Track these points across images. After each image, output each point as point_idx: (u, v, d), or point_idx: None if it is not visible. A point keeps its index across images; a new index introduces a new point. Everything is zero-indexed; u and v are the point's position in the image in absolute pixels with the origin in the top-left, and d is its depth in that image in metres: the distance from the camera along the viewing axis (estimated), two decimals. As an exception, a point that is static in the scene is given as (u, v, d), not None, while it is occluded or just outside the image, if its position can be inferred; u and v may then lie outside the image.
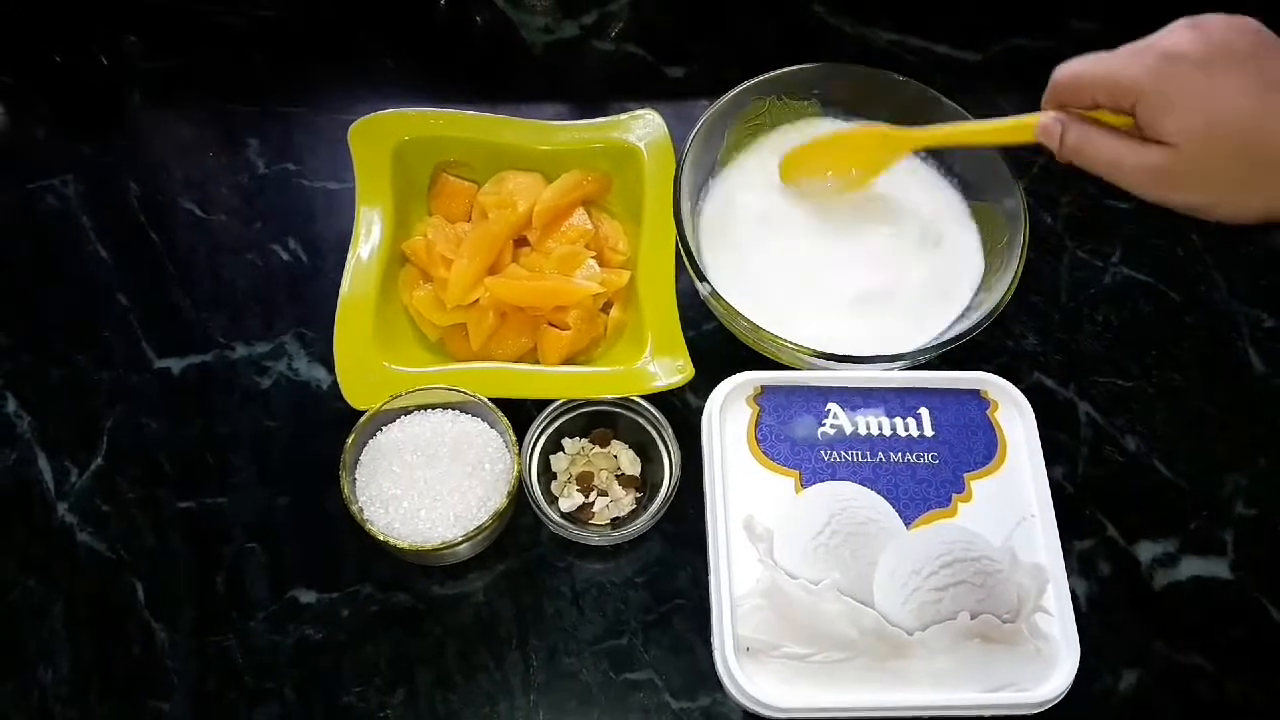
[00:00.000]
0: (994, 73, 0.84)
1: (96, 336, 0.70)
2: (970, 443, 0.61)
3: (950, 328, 0.66)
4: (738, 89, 0.69)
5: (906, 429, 0.61)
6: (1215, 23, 0.50)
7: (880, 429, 0.61)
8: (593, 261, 0.69)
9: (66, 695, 0.59)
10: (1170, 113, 0.49)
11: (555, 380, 0.65)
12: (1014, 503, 0.59)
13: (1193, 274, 0.75)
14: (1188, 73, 0.49)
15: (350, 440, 0.60)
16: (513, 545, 0.64)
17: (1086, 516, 0.66)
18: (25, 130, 0.79)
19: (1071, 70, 0.53)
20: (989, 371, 0.64)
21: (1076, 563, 0.64)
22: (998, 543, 0.58)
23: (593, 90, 0.81)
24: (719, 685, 0.56)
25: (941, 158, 0.72)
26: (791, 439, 0.60)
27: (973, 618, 0.56)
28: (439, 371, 0.65)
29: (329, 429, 0.64)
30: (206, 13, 0.83)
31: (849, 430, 0.61)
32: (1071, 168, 0.56)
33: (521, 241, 0.71)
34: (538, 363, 0.68)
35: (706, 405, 0.61)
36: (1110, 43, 0.84)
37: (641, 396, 0.64)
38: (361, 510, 0.60)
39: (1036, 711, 0.55)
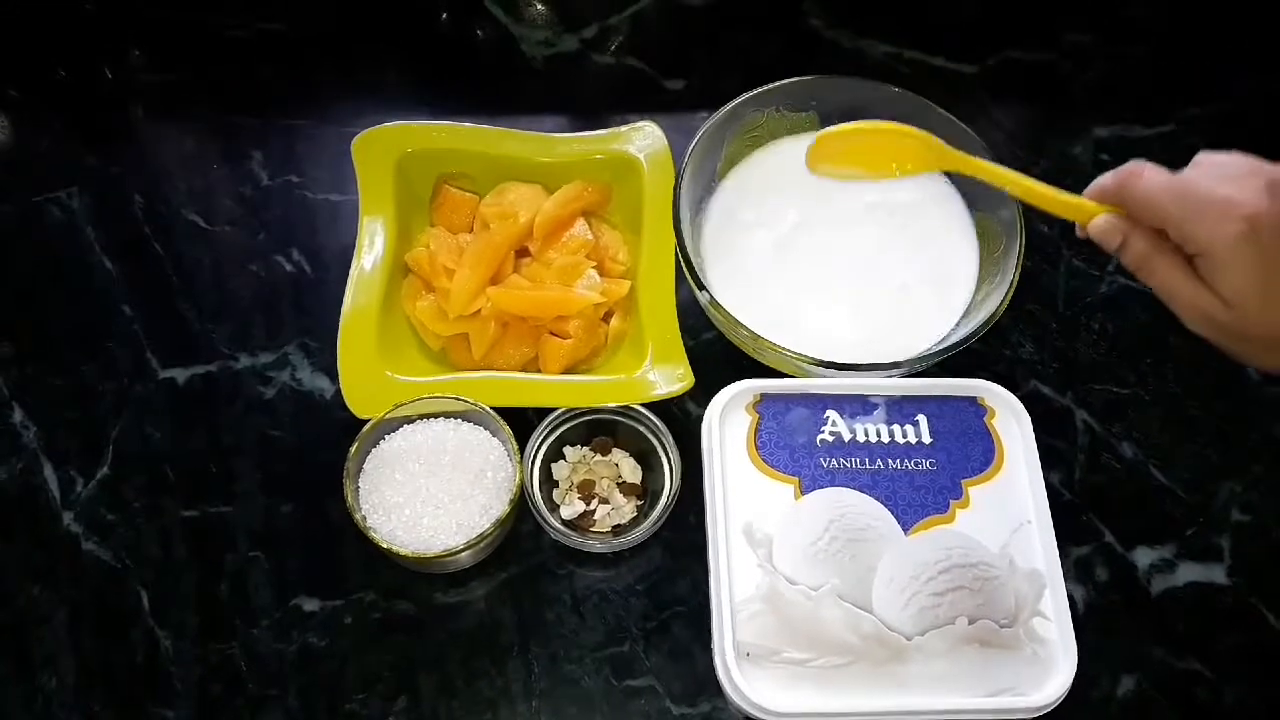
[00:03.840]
0: (990, 84, 0.85)
1: (101, 347, 0.70)
2: (968, 449, 0.61)
3: (948, 336, 0.66)
4: (736, 101, 0.70)
5: (905, 436, 0.61)
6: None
7: (879, 436, 0.61)
8: (593, 271, 0.70)
9: (71, 702, 0.59)
10: (1238, 279, 0.49)
11: (556, 389, 0.66)
12: (1011, 509, 0.60)
13: (1188, 283, 0.75)
14: (1266, 246, 0.49)
15: (353, 449, 0.61)
16: (514, 553, 0.64)
17: (1084, 523, 0.66)
18: (31, 143, 0.80)
19: (1149, 195, 0.52)
20: (987, 379, 0.64)
21: (1074, 569, 0.64)
22: (995, 548, 0.58)
23: (593, 102, 0.82)
24: (719, 691, 0.57)
25: (939, 168, 0.72)
26: (791, 446, 0.61)
27: (971, 623, 0.56)
28: (441, 381, 0.65)
29: (332, 438, 0.64)
30: (210, 26, 0.84)
31: (848, 437, 0.61)
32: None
33: (523, 252, 0.72)
34: (539, 372, 0.68)
35: (706, 413, 0.62)
36: (1105, 55, 0.86)
37: (642, 405, 0.64)
38: (364, 518, 0.60)
39: (1035, 716, 0.55)
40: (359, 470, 0.62)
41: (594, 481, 0.65)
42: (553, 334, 0.68)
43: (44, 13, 0.84)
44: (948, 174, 0.72)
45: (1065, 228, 0.77)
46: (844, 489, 0.60)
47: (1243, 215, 0.49)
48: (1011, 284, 0.64)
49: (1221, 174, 0.51)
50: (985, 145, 0.68)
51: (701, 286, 0.64)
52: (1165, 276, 0.52)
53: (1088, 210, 0.55)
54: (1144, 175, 0.52)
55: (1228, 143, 0.81)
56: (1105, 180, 0.54)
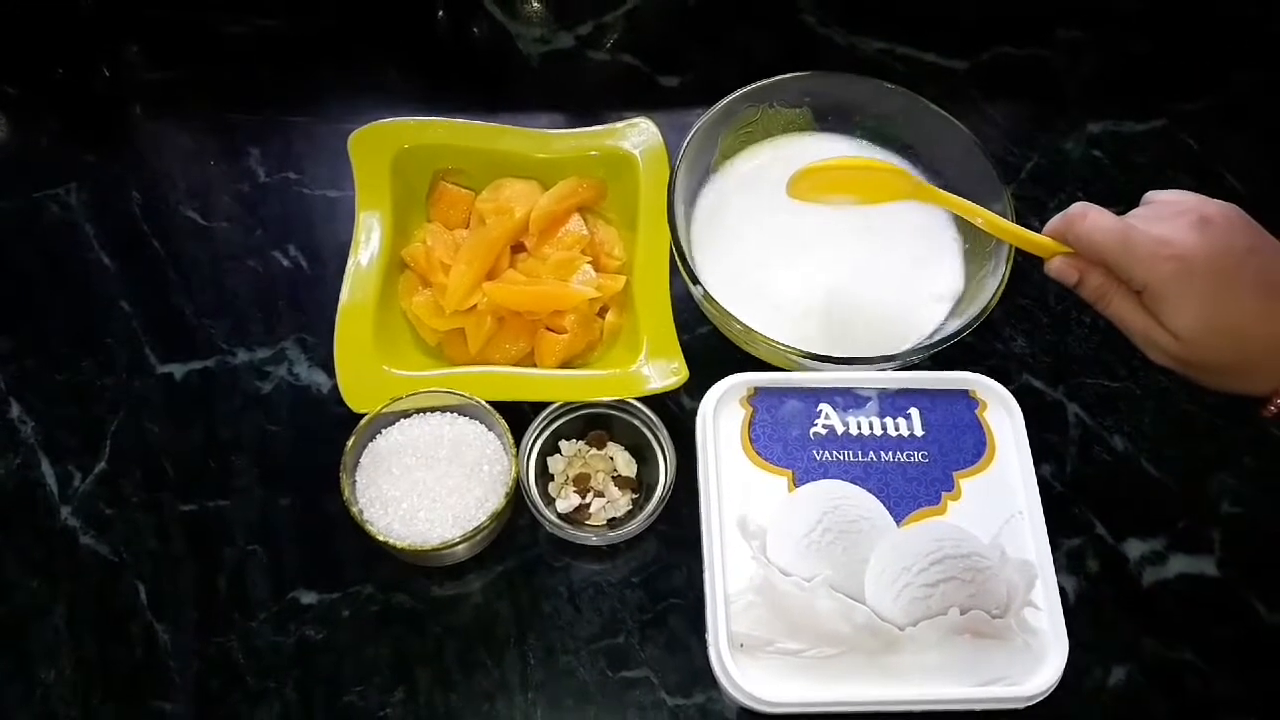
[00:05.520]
0: (982, 80, 0.85)
1: (100, 342, 0.71)
2: (960, 442, 0.62)
3: (940, 329, 0.67)
4: (730, 97, 0.71)
5: (897, 429, 0.62)
6: (1218, 221, 0.54)
7: (871, 429, 0.62)
8: (589, 266, 0.70)
9: (69, 695, 0.60)
10: (1178, 314, 0.53)
11: (552, 383, 0.66)
12: (1003, 500, 0.60)
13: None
14: (1198, 282, 0.53)
15: (350, 443, 0.61)
16: (510, 546, 0.65)
17: (1075, 515, 0.67)
18: (30, 140, 0.80)
19: (1091, 236, 0.55)
20: (979, 373, 0.64)
21: (1066, 560, 0.65)
22: (987, 540, 0.59)
23: (588, 99, 0.83)
24: (714, 682, 0.57)
25: (929, 163, 0.73)
26: (784, 439, 0.61)
27: (962, 613, 0.56)
28: (438, 375, 0.66)
29: (329, 432, 0.65)
30: (207, 24, 0.85)
31: (840, 430, 0.62)
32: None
33: (519, 247, 0.73)
34: (535, 366, 0.69)
35: (700, 406, 0.62)
36: (1097, 50, 0.86)
37: (637, 399, 0.65)
38: (361, 512, 0.61)
39: (1026, 705, 0.56)
40: (356, 464, 0.62)
41: (589, 475, 0.65)
42: (548, 329, 0.69)
43: (42, 11, 0.84)
44: (936, 175, 0.72)
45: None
46: (837, 481, 0.60)
47: (1173, 254, 0.53)
48: (1003, 278, 0.64)
49: (1159, 213, 0.55)
50: (978, 141, 0.69)
51: (696, 281, 0.65)
52: (1119, 310, 0.56)
53: (1048, 247, 0.59)
54: (1087, 218, 0.56)
55: (1219, 137, 0.83)
56: (1055, 221, 0.58)
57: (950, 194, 0.65)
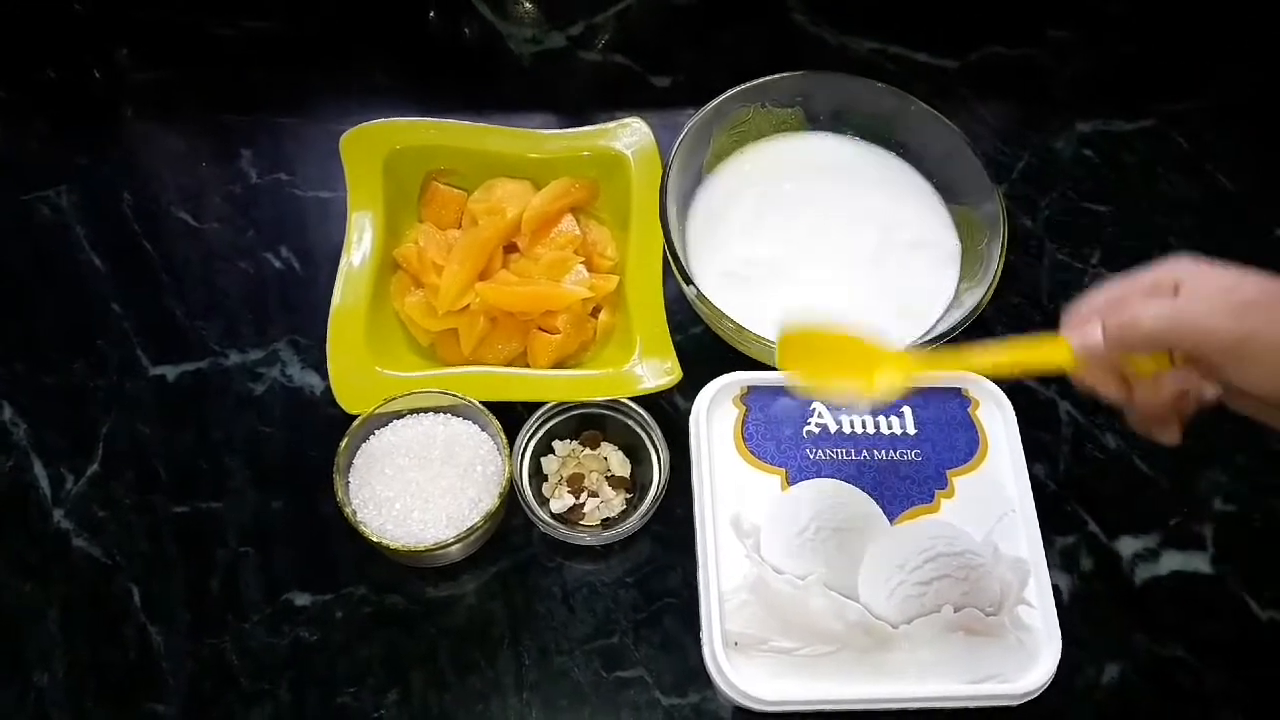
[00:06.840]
0: (973, 79, 0.85)
1: (91, 344, 0.70)
2: (952, 440, 0.62)
3: (932, 328, 0.67)
4: (722, 97, 0.71)
5: (890, 427, 0.62)
6: (1253, 279, 0.46)
7: (864, 427, 0.62)
8: (581, 267, 0.70)
9: (63, 698, 0.59)
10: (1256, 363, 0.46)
11: (545, 383, 0.66)
12: (995, 498, 0.60)
13: (1170, 275, 0.76)
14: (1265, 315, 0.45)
15: (343, 444, 0.61)
16: (504, 546, 0.64)
17: (1068, 513, 0.67)
18: (20, 142, 0.80)
19: (1154, 334, 0.46)
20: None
21: (1059, 558, 0.65)
22: (980, 537, 0.59)
23: (580, 99, 0.83)
24: (709, 682, 0.57)
25: (920, 163, 0.73)
26: (777, 438, 0.61)
27: (956, 611, 0.57)
28: (431, 376, 0.66)
29: (322, 433, 0.65)
30: (198, 25, 0.85)
31: (834, 428, 0.62)
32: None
33: (511, 248, 0.72)
34: (528, 366, 0.69)
35: (694, 406, 0.62)
36: (1087, 50, 0.86)
37: (630, 398, 0.65)
38: (355, 513, 0.60)
39: (1019, 702, 0.56)
40: (349, 465, 0.62)
41: (583, 475, 0.65)
42: (541, 329, 0.69)
43: (33, 13, 0.84)
44: (927, 174, 0.73)
45: (1049, 222, 0.79)
46: (830, 480, 0.60)
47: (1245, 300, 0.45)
48: (995, 277, 0.64)
49: (1194, 282, 0.47)
50: (969, 140, 0.69)
51: (688, 280, 0.65)
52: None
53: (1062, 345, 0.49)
54: (1140, 320, 0.46)
55: (1209, 136, 0.83)
56: (1092, 340, 0.48)
57: (953, 355, 0.53)
